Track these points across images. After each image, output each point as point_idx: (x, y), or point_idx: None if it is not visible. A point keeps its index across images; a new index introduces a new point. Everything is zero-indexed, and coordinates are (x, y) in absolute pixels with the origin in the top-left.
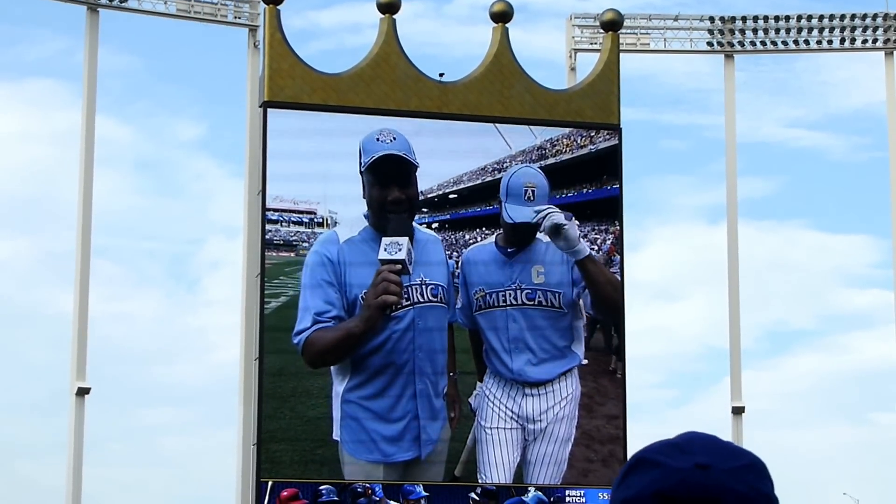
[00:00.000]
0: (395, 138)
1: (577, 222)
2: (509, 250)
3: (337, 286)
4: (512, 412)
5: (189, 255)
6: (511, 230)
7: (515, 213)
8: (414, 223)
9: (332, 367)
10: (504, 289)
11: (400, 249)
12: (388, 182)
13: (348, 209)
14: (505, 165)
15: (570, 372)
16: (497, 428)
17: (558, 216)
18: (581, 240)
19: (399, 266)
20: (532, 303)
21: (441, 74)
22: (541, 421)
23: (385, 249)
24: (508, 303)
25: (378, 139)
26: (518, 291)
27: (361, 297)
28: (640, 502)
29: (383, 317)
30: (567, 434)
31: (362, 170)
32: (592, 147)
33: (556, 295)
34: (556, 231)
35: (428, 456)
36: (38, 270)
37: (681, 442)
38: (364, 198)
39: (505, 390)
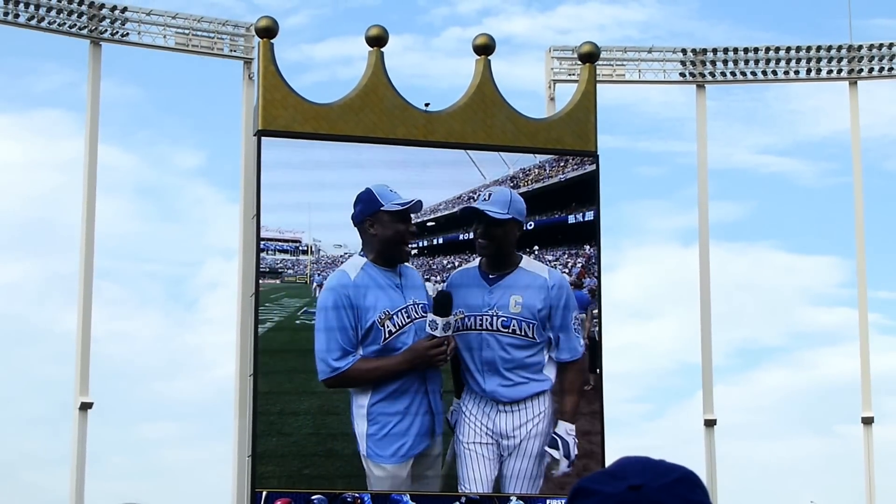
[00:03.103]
0: (397, 192)
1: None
2: (491, 276)
3: (353, 310)
4: (487, 428)
5: (187, 276)
6: (493, 253)
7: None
8: None
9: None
10: (482, 313)
11: (450, 328)
12: (407, 219)
13: (333, 237)
14: (479, 194)
15: (543, 393)
16: (474, 443)
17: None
18: None
19: (443, 341)
20: (506, 330)
21: (427, 104)
22: (514, 437)
23: (442, 328)
24: (484, 327)
25: (390, 190)
26: (494, 318)
27: (377, 320)
28: None
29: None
30: (541, 450)
31: (385, 210)
32: (562, 176)
33: (531, 325)
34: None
35: (434, 446)
36: (45, 291)
37: (615, 469)
38: (373, 230)
39: (480, 407)
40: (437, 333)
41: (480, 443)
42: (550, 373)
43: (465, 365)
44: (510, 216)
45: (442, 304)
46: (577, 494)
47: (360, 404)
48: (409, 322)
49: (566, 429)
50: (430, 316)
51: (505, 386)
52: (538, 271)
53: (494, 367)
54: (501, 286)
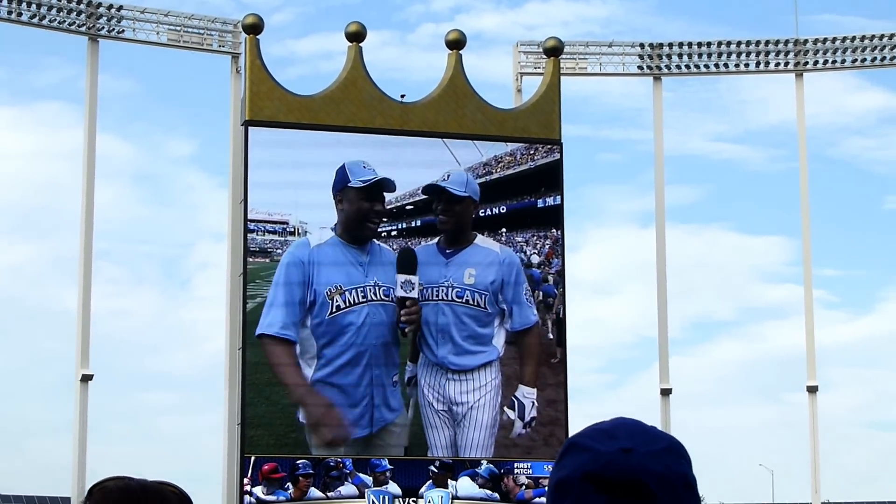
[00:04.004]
0: (373, 168)
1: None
2: (448, 251)
3: (304, 285)
4: (439, 394)
5: (180, 257)
6: (451, 229)
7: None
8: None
9: (300, 357)
10: (438, 285)
11: (413, 288)
12: (375, 198)
13: (318, 218)
14: (439, 177)
15: (490, 364)
16: (430, 406)
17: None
18: None
19: (415, 304)
20: (460, 301)
21: (402, 96)
22: (464, 404)
23: (402, 287)
24: (440, 298)
25: (364, 167)
26: (450, 289)
27: (327, 293)
28: (571, 482)
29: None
30: (491, 421)
31: (352, 186)
32: (532, 163)
33: (483, 296)
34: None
35: (378, 431)
36: (48, 271)
37: (609, 427)
38: (340, 206)
39: (432, 374)
40: (403, 292)
41: (437, 409)
42: (499, 343)
43: (423, 335)
44: (468, 194)
45: (406, 261)
46: (570, 449)
47: (305, 376)
48: (363, 301)
49: (524, 392)
50: (400, 276)
51: (456, 354)
52: (490, 247)
53: (448, 335)
54: (457, 260)
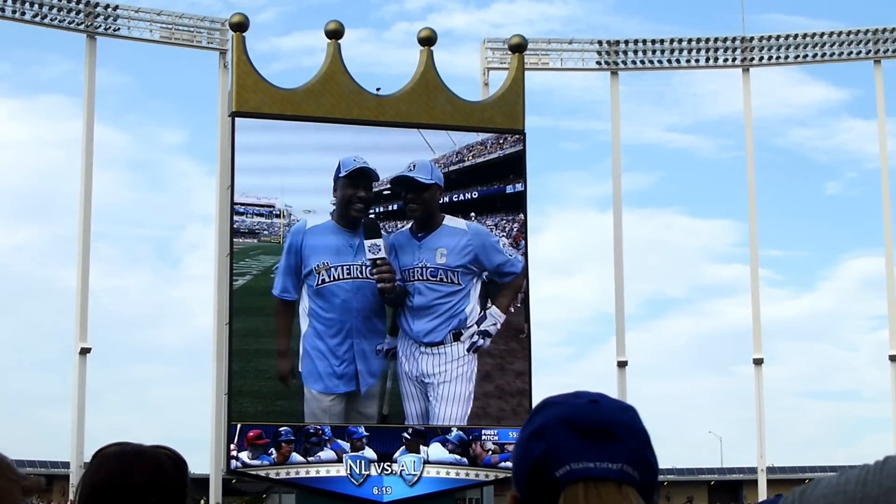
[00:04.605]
0: (364, 160)
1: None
2: (419, 234)
3: (298, 256)
4: (413, 367)
5: (172, 239)
6: (421, 215)
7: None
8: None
9: (300, 317)
10: (412, 267)
11: (380, 250)
12: (357, 184)
13: (301, 202)
14: (405, 167)
15: (461, 336)
16: (407, 377)
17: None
18: None
19: (386, 263)
20: (434, 279)
21: (378, 89)
22: (435, 376)
23: (370, 250)
24: (416, 278)
25: (354, 159)
26: (424, 269)
27: (314, 267)
28: (548, 429)
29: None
30: (465, 393)
31: (341, 176)
32: (501, 152)
33: (455, 273)
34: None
35: (366, 392)
36: (49, 252)
37: (575, 392)
38: (335, 195)
39: (409, 347)
40: (371, 254)
41: (411, 380)
42: (472, 314)
43: (402, 311)
44: (433, 181)
45: (371, 228)
46: (544, 405)
47: (303, 338)
48: (348, 277)
49: (494, 312)
50: (367, 241)
51: (429, 330)
52: (458, 225)
53: (423, 312)
54: (428, 242)
